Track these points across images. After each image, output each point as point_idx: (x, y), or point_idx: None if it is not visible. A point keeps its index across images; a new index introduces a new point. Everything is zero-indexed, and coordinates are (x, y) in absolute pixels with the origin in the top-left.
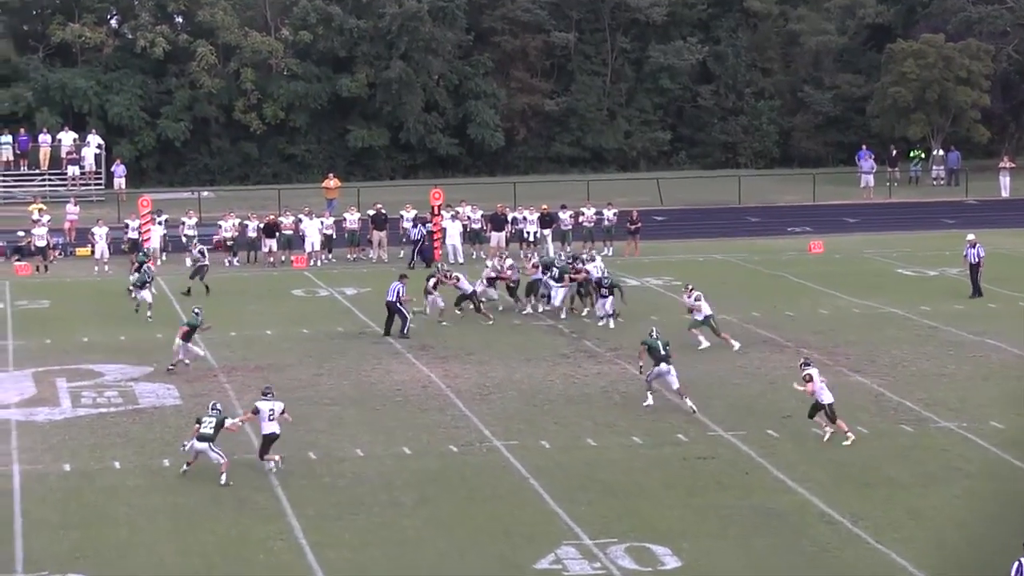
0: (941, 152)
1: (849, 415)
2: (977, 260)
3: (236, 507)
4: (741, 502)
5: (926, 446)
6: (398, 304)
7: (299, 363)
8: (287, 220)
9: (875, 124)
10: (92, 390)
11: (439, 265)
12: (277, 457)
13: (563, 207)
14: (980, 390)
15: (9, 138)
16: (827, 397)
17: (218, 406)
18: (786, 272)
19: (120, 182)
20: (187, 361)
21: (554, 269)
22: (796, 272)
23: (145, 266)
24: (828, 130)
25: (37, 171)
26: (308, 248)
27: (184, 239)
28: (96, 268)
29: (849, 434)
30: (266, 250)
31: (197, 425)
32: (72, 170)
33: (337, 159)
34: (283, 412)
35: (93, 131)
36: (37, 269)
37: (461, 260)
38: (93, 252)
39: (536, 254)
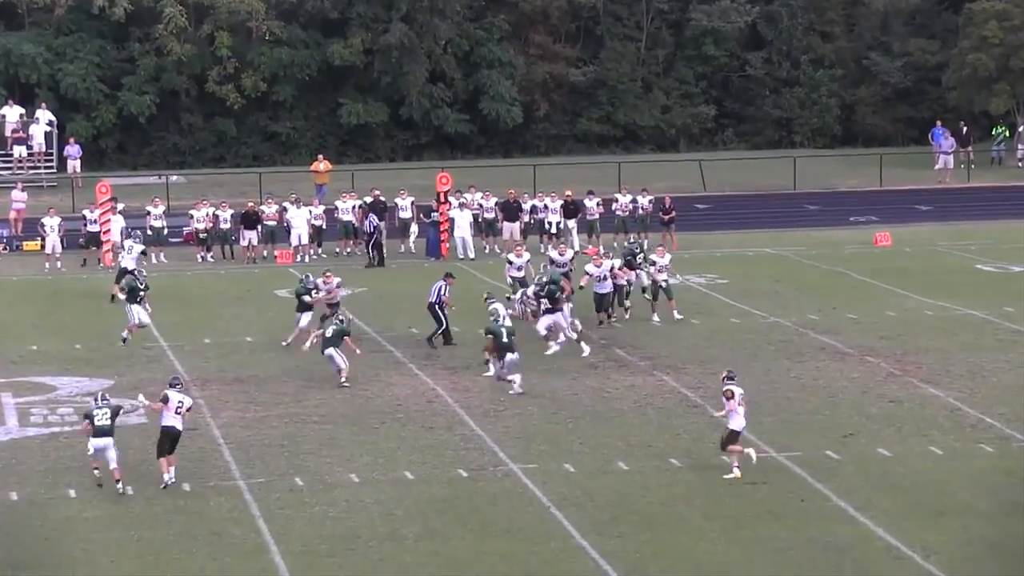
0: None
1: (920, 432)
2: None
3: (211, 542)
4: (795, 534)
5: (1008, 469)
6: (437, 307)
7: (284, 375)
8: (269, 209)
9: (951, 97)
10: (43, 406)
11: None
12: (172, 470)
13: (590, 193)
14: None
15: None
16: (738, 423)
17: (107, 396)
18: (848, 268)
19: (74, 164)
20: None
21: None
22: (859, 268)
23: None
24: (897, 104)
25: None
26: (294, 241)
27: (150, 231)
28: (47, 264)
29: (736, 468)
30: (245, 243)
31: (87, 421)
32: (18, 150)
33: (328, 138)
34: (188, 409)
35: (43, 105)
36: None
37: (472, 255)
38: (43, 246)
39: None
